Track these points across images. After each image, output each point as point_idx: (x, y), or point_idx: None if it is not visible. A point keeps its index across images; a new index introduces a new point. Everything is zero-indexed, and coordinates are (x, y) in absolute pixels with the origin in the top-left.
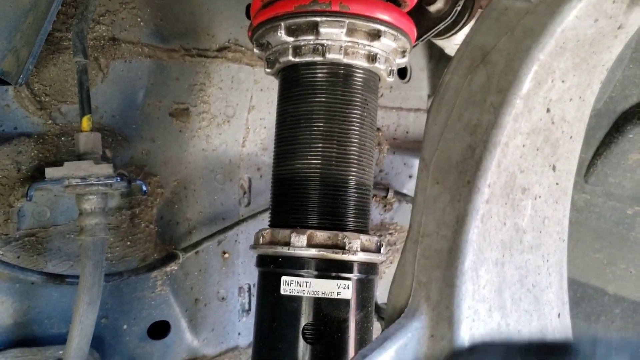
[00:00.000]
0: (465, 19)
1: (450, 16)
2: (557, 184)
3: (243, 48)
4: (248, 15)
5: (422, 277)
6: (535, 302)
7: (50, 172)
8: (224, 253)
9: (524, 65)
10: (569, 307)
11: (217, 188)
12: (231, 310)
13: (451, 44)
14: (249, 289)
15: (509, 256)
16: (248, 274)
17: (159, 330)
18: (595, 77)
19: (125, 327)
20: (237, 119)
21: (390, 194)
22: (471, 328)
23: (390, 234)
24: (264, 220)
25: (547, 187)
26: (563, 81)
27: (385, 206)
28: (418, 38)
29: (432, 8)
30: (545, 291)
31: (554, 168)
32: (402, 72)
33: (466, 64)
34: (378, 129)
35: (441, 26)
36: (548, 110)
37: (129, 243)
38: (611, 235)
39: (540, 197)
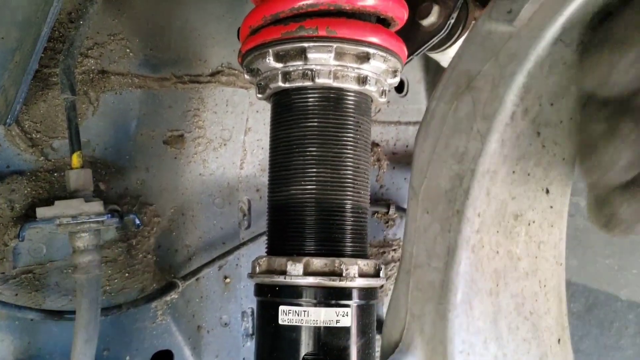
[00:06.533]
0: (459, 31)
1: (444, 29)
2: (551, 207)
3: (236, 71)
4: (239, 38)
5: (416, 309)
6: (534, 329)
7: (41, 211)
8: (225, 278)
9: (510, 90)
10: (582, 314)
11: (216, 212)
12: (235, 335)
13: (446, 57)
14: (252, 312)
15: (503, 285)
16: (251, 298)
17: (162, 359)
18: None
19: (127, 358)
20: (234, 142)
21: (392, 210)
22: None
23: (394, 250)
24: (265, 242)
25: (541, 212)
26: (552, 104)
27: (387, 222)
28: (412, 52)
29: (425, 22)
30: (544, 317)
31: (547, 192)
32: (399, 86)
33: (451, 90)
34: (377, 145)
35: (435, 40)
36: (538, 135)
37: (127, 275)
38: (621, 240)
39: (534, 222)
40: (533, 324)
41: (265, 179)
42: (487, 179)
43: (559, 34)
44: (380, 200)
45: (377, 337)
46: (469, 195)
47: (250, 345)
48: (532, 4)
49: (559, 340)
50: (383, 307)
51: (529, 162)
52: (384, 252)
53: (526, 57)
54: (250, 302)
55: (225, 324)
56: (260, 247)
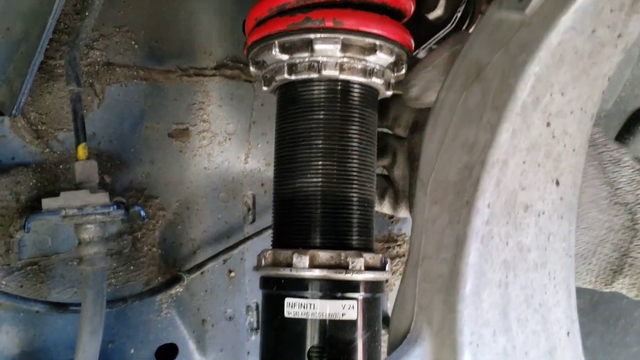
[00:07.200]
0: (465, 25)
1: (451, 23)
2: (561, 199)
3: (241, 64)
4: (245, 31)
5: (424, 301)
6: (543, 321)
7: (46, 203)
8: (230, 272)
9: (520, 80)
10: (587, 311)
11: (220, 206)
12: (239, 329)
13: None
14: (257, 307)
15: (513, 276)
16: (255, 292)
17: (167, 353)
18: (596, 87)
19: (132, 351)
20: (239, 136)
21: None
22: (475, 354)
23: (399, 245)
24: (270, 236)
25: (551, 203)
26: (562, 94)
27: (392, 217)
28: (418, 46)
29: (432, 15)
30: (553, 310)
31: (557, 183)
32: None
33: (461, 81)
34: None
35: (441, 34)
36: (548, 125)
37: (132, 267)
38: None
39: (544, 213)
40: (542, 316)
41: (270, 173)
42: (497, 170)
43: (571, 22)
44: None
45: (383, 331)
46: (479, 186)
47: (255, 339)
48: None
49: (569, 333)
50: (388, 302)
51: (539, 152)
52: (389, 248)
53: (537, 47)
54: (255, 296)
55: (230, 317)
56: (264, 241)
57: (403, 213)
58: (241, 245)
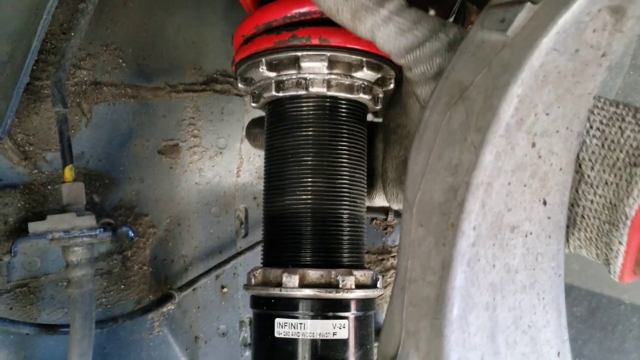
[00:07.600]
0: None
1: None
2: (549, 218)
3: (231, 79)
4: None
5: (411, 325)
6: (532, 343)
7: (33, 226)
8: (223, 287)
9: (503, 101)
10: (585, 317)
11: (212, 221)
12: (233, 345)
13: None
14: (251, 322)
15: (500, 299)
16: (249, 307)
17: None
18: (581, 106)
19: None
20: (230, 150)
21: (391, 216)
22: None
23: (393, 256)
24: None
25: (538, 223)
26: (547, 114)
27: (386, 229)
28: None
29: None
30: (543, 330)
31: (544, 202)
32: None
33: (444, 101)
34: None
35: None
36: (533, 145)
37: (122, 287)
38: None
39: (531, 233)
40: (531, 337)
41: (262, 186)
42: (482, 192)
43: (552, 43)
44: (378, 207)
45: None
46: (464, 208)
47: (249, 355)
48: (526, 13)
49: (559, 353)
50: (382, 315)
51: (524, 173)
52: (383, 259)
53: (520, 67)
54: (248, 312)
55: (223, 334)
56: (257, 255)
57: (379, 200)
58: (234, 260)
